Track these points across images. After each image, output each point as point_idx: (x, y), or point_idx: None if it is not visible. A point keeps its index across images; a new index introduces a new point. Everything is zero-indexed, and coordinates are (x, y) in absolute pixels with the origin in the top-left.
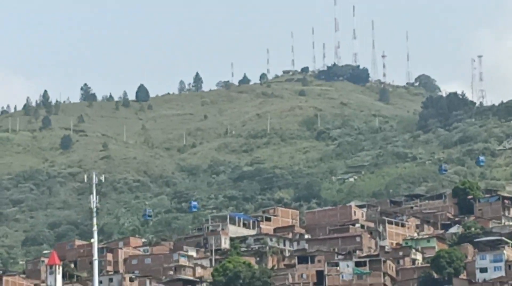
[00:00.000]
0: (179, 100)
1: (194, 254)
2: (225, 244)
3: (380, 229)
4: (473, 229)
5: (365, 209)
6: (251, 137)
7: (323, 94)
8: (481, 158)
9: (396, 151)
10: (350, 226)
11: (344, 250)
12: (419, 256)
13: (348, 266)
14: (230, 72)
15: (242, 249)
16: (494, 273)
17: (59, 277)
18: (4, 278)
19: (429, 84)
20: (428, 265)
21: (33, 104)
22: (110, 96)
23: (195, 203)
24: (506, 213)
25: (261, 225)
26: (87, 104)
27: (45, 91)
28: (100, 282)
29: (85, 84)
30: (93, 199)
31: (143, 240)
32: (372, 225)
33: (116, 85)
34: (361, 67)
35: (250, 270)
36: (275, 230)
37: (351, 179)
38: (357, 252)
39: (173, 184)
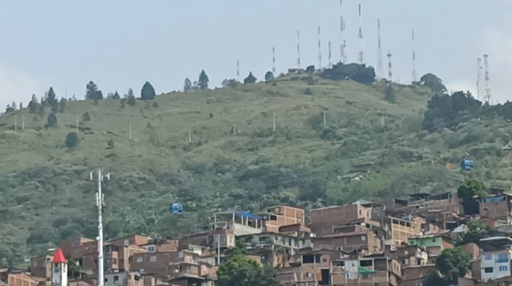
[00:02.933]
0: (185, 98)
1: (199, 252)
2: (230, 242)
3: (386, 228)
4: (478, 228)
5: (370, 208)
6: (256, 136)
7: (328, 92)
8: (467, 161)
9: (401, 150)
10: (356, 225)
11: (349, 249)
12: (424, 256)
13: (353, 265)
14: (236, 70)
15: (248, 247)
16: (500, 273)
17: (64, 274)
18: (10, 275)
19: (434, 83)
20: (434, 264)
21: (39, 101)
22: (116, 93)
23: (176, 204)
24: None
25: (266, 224)
26: (92, 102)
27: (51, 88)
28: (106, 280)
29: (91, 82)
30: (99, 197)
31: (149, 238)
32: (377, 224)
33: (121, 82)
34: (367, 66)
35: (255, 269)
36: (280, 228)
37: (357, 178)
38: (363, 251)
39: (178, 182)
